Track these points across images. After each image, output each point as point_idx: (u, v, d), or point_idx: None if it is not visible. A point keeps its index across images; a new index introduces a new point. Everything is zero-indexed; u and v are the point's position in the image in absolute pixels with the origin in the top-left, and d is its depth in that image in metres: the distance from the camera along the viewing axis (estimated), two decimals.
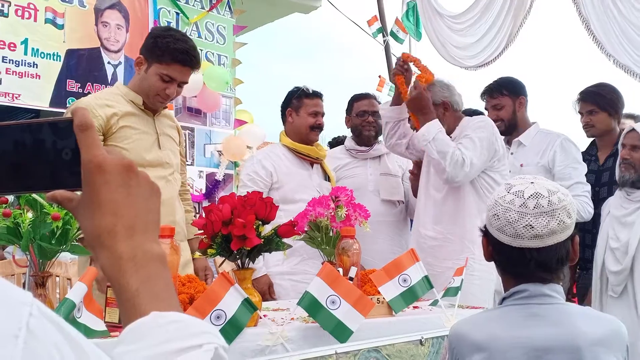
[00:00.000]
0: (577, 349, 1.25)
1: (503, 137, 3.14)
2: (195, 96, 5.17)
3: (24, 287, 2.38)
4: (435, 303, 1.95)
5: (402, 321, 1.78)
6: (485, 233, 1.42)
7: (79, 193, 0.63)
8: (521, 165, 3.09)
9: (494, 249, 1.38)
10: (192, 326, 0.57)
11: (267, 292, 2.76)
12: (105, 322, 1.48)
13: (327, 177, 3.08)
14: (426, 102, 2.69)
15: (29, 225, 1.44)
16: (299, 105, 3.04)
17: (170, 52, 2.36)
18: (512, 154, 3.18)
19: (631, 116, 3.75)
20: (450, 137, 2.68)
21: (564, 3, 4.02)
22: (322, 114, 3.09)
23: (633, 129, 2.48)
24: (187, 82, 2.48)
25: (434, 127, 2.61)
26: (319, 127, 3.05)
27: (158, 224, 0.64)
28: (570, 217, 1.32)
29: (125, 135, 2.36)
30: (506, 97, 3.22)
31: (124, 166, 0.62)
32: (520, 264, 1.33)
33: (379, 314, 1.77)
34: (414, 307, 1.96)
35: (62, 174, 0.61)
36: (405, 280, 1.81)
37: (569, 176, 2.97)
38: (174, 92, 2.43)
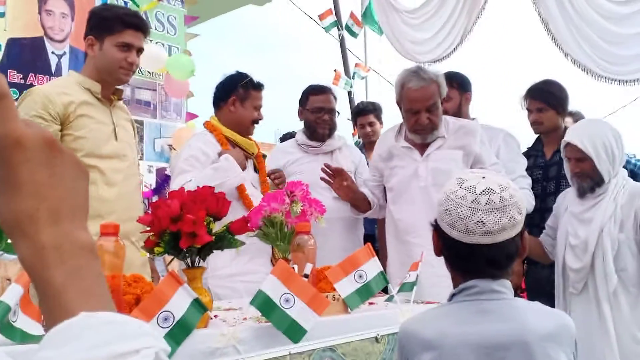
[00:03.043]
0: (527, 344, 1.25)
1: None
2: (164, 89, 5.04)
3: None
4: (391, 299, 1.93)
5: (358, 318, 1.75)
6: (436, 228, 1.40)
7: None
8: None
9: (444, 244, 1.37)
10: (129, 328, 0.49)
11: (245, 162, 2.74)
12: (43, 326, 1.38)
13: (255, 170, 2.96)
14: None
15: None
16: (246, 96, 2.87)
17: (120, 19, 2.34)
18: None
19: (570, 113, 3.82)
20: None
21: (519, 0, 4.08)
22: (261, 106, 2.97)
23: (569, 143, 2.51)
24: (142, 49, 2.44)
25: None
26: (258, 122, 2.94)
27: (86, 209, 0.57)
28: (520, 213, 1.31)
29: (82, 125, 2.28)
30: (454, 90, 3.25)
31: (47, 142, 0.53)
32: (471, 260, 1.32)
33: (334, 312, 1.73)
34: (370, 304, 1.93)
35: None
36: (361, 277, 1.78)
37: (513, 170, 3.02)
38: (135, 59, 2.39)
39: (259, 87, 2.91)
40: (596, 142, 2.42)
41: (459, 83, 3.28)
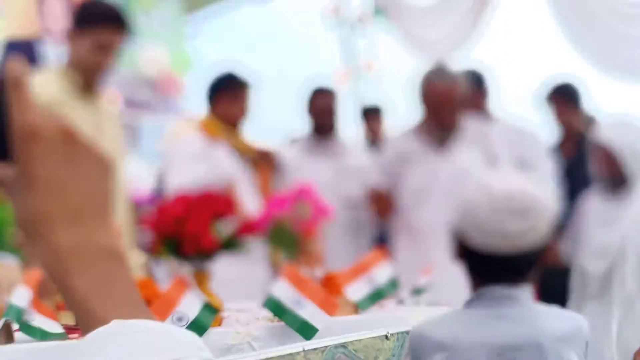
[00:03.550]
0: (539, 345, 1.20)
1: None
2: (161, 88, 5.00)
3: None
4: (401, 302, 1.89)
5: (368, 320, 1.71)
6: (453, 231, 1.35)
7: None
8: None
9: (462, 248, 1.32)
10: (167, 336, 0.45)
11: None
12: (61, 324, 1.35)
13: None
14: None
15: None
16: (228, 93, 2.86)
17: (97, 14, 2.26)
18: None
19: (585, 116, 3.79)
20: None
21: None
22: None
23: (599, 144, 2.48)
24: (121, 47, 2.34)
25: None
26: (237, 120, 2.90)
27: (110, 207, 0.52)
28: (544, 218, 1.25)
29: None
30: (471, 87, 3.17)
31: (64, 134, 0.49)
32: (488, 266, 1.27)
33: (345, 313, 1.70)
34: (380, 307, 1.88)
35: None
36: (371, 281, 1.73)
37: (536, 167, 2.89)
38: (109, 58, 2.28)
39: (238, 85, 2.86)
40: (628, 145, 2.38)
41: (474, 80, 3.16)
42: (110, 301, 0.47)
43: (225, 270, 2.54)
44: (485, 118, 3.11)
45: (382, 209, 2.67)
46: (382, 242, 3.57)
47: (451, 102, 2.62)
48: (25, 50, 4.07)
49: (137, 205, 4.50)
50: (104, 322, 0.44)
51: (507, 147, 2.93)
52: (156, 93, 5.20)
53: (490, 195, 1.25)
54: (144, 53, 4.99)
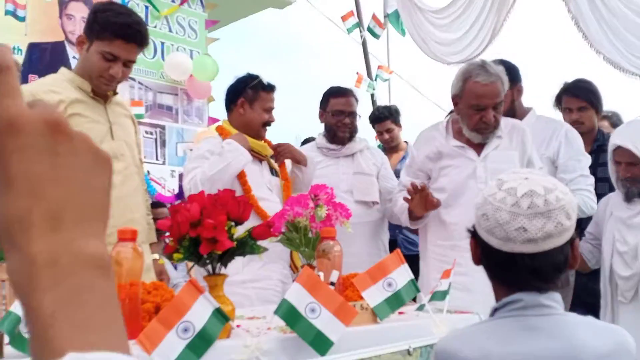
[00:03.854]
0: None
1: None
2: (186, 93, 5.00)
3: None
4: (421, 308, 1.82)
5: (388, 329, 1.65)
6: (474, 234, 1.28)
7: None
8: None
9: (483, 252, 1.25)
10: None
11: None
12: None
13: (273, 172, 2.84)
14: None
15: None
16: (255, 97, 2.74)
17: (111, 27, 2.16)
18: None
19: (606, 116, 3.69)
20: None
21: None
22: (273, 108, 2.83)
23: (619, 147, 2.37)
24: (134, 61, 2.27)
25: None
26: (270, 124, 2.80)
27: (104, 210, 0.44)
28: (569, 219, 1.17)
29: (74, 124, 2.08)
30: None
31: (49, 124, 0.41)
32: (512, 271, 1.19)
33: (362, 322, 1.64)
34: (400, 313, 1.83)
35: None
36: (390, 285, 1.68)
37: (573, 169, 2.82)
38: (118, 72, 2.21)
39: (269, 88, 2.77)
40: None
41: (508, 75, 2.98)
42: (77, 324, 0.39)
43: (238, 272, 2.53)
44: (518, 112, 2.99)
45: (420, 204, 2.53)
46: (395, 245, 3.51)
47: (495, 101, 2.50)
48: (49, 53, 4.11)
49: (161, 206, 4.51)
50: (61, 354, 0.37)
51: (540, 143, 2.81)
52: (181, 98, 5.21)
53: (510, 195, 1.19)
54: (168, 58, 5.01)
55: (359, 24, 6.15)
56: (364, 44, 6.30)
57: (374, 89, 6.26)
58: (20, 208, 0.40)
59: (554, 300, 1.20)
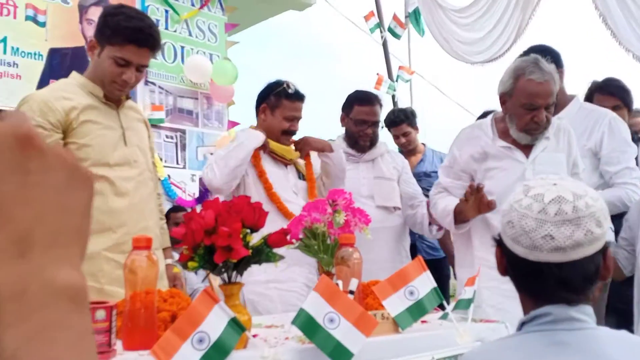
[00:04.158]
0: None
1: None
2: (206, 97, 4.99)
3: None
4: (445, 316, 1.76)
5: (410, 339, 1.59)
6: (499, 243, 1.22)
7: None
8: None
9: (508, 262, 1.19)
10: None
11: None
12: None
13: (300, 176, 2.81)
14: None
15: None
16: (277, 104, 2.69)
17: (122, 32, 2.11)
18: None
19: (638, 112, 3.59)
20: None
21: None
22: (299, 119, 2.76)
23: None
24: (146, 66, 2.23)
25: None
26: (291, 133, 2.74)
27: (81, 232, 0.39)
28: (600, 227, 1.10)
29: (87, 131, 2.11)
30: None
31: (19, 138, 0.37)
32: (539, 282, 1.13)
33: (383, 332, 1.58)
34: (422, 322, 1.77)
35: None
36: (412, 293, 1.62)
37: (617, 161, 2.70)
38: (131, 77, 2.16)
39: (293, 97, 2.71)
40: None
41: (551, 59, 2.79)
42: None
43: (261, 271, 2.49)
44: (561, 99, 2.81)
45: (474, 206, 2.41)
46: (415, 250, 3.43)
47: (548, 101, 2.36)
48: (69, 58, 4.13)
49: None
50: None
51: (582, 133, 2.70)
52: (201, 101, 5.21)
53: (536, 201, 1.12)
54: (187, 61, 5.01)
55: (380, 24, 6.09)
56: (384, 45, 6.24)
57: (394, 90, 6.19)
58: None
59: (585, 314, 1.13)
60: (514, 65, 2.44)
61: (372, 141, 3.09)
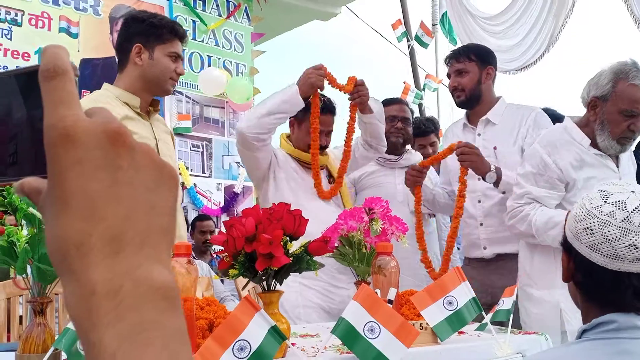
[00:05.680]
0: None
1: (464, 110, 2.80)
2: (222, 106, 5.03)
3: (20, 318, 2.18)
4: (483, 327, 1.74)
5: (449, 350, 1.57)
6: (568, 248, 1.19)
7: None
8: (495, 149, 2.66)
9: (580, 269, 1.15)
10: None
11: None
12: None
13: (330, 181, 2.76)
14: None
15: (25, 243, 1.26)
16: (303, 118, 2.64)
17: (169, 28, 2.27)
18: (479, 135, 2.75)
19: None
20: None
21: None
22: (330, 132, 2.71)
23: None
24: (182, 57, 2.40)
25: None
26: (322, 148, 2.67)
27: (169, 231, 0.39)
28: None
29: None
30: (473, 63, 2.78)
31: (109, 135, 0.37)
32: (615, 291, 1.10)
33: (422, 342, 1.57)
34: (459, 333, 1.74)
35: (41, 150, 0.37)
36: (450, 303, 1.61)
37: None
38: (183, 69, 2.33)
39: (324, 109, 2.64)
40: None
41: (477, 56, 2.81)
42: None
43: (308, 287, 2.48)
44: (485, 96, 2.78)
45: None
46: None
47: None
48: (100, 68, 4.19)
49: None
50: None
51: (509, 132, 2.64)
52: (227, 110, 5.24)
53: (619, 208, 1.10)
54: (207, 75, 5.01)
55: (407, 33, 6.08)
56: (411, 53, 6.22)
57: (421, 99, 6.17)
58: (78, 230, 0.35)
59: None
60: (613, 68, 2.26)
61: (405, 139, 3.09)
